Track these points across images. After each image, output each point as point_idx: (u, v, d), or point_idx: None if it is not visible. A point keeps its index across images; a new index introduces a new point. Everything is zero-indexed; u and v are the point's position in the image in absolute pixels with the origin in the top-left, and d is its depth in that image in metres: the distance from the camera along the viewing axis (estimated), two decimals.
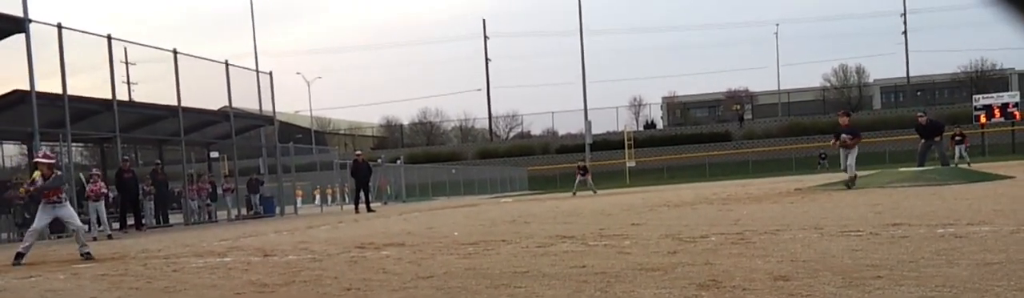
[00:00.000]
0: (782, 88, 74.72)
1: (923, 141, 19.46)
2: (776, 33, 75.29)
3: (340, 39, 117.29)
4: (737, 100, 73.56)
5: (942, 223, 7.86)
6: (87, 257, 9.98)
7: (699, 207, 13.97)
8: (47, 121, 17.41)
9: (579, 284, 5.18)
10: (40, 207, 10.39)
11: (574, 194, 29.94)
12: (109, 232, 16.50)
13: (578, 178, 30.34)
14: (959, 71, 70.12)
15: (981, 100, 45.21)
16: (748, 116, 71.31)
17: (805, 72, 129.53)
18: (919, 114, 20.42)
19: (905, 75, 71.85)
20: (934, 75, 71.24)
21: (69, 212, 10.45)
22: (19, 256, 9.85)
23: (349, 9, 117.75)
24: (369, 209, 23.39)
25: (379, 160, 40.47)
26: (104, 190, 17.19)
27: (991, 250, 5.61)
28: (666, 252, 6.72)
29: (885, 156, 47.69)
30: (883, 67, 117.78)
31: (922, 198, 12.43)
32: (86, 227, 16.64)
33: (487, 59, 76.53)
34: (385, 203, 35.37)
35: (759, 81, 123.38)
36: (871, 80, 75.08)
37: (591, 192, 30.05)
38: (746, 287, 4.65)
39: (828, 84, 74.71)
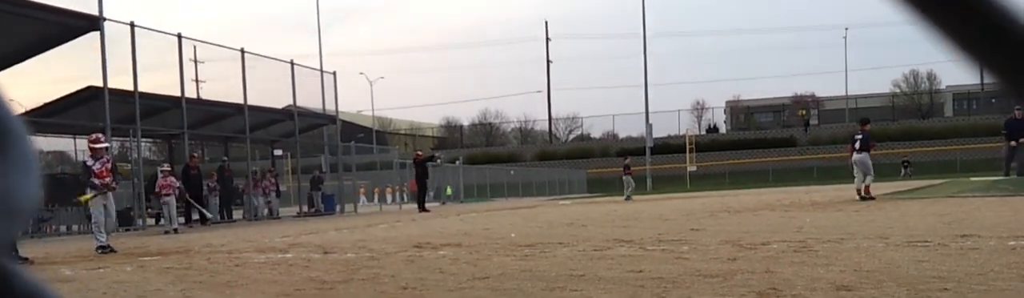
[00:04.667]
0: (850, 93, 73.31)
1: (1009, 145, 18.49)
2: (845, 37, 73.68)
3: (404, 40, 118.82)
4: (803, 105, 72.36)
5: (1014, 235, 7.60)
6: (104, 251, 10.26)
7: (761, 213, 13.76)
8: (118, 117, 17.91)
9: (635, 289, 5.13)
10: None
11: (628, 198, 27.74)
12: (175, 226, 16.88)
13: (624, 178, 27.97)
14: None
15: None
16: (814, 121, 70.05)
17: (874, 77, 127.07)
18: (1017, 107, 19.81)
19: (979, 82, 69.88)
20: None
21: (111, 202, 10.88)
22: (104, 248, 10.24)
23: (414, 11, 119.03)
24: (423, 208, 23.29)
25: (437, 159, 40.72)
26: (177, 184, 17.58)
27: None
28: (725, 258, 6.63)
29: (957, 165, 46.47)
30: (956, 73, 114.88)
31: (993, 209, 12.06)
32: (160, 221, 17.17)
33: (548, 61, 76.60)
34: (443, 203, 35.59)
35: (826, 86, 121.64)
36: (943, 86, 73.22)
37: (625, 198, 27.56)
38: (807, 296, 4.56)
39: (898, 90, 73.11)
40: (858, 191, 16.61)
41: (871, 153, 16.72)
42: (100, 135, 11.59)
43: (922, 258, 6.11)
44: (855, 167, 16.65)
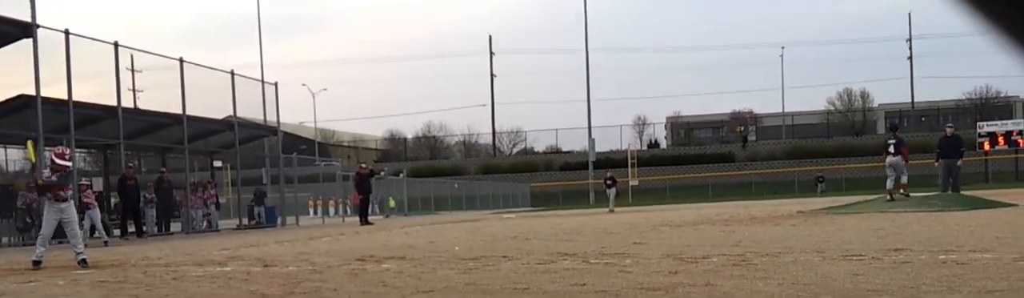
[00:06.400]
0: (787, 111, 74.80)
1: (942, 162, 19.39)
2: (782, 55, 75.28)
3: (347, 52, 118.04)
4: (741, 121, 73.64)
5: (944, 249, 7.84)
6: (83, 264, 9.89)
7: (701, 227, 13.94)
8: (52, 126, 17.45)
9: None
10: (46, 207, 10.26)
11: (611, 210, 27.75)
12: (106, 239, 16.45)
13: (608, 191, 28.36)
14: (964, 97, 70.22)
15: (985, 127, 45.15)
16: (752, 138, 71.28)
17: (810, 95, 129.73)
18: (948, 125, 20.73)
19: (910, 100, 71.94)
20: (939, 101, 71.29)
21: (73, 213, 10.29)
22: (36, 263, 9.84)
23: (358, 22, 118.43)
24: (366, 221, 23.09)
25: (382, 173, 40.46)
26: (93, 201, 17.22)
27: (993, 278, 5.59)
28: (667, 272, 6.71)
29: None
30: (888, 92, 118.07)
31: (925, 224, 12.40)
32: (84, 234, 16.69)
33: (492, 75, 76.76)
34: (387, 216, 35.31)
35: (764, 103, 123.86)
36: (875, 105, 75.09)
37: (608, 209, 28.06)
38: None
39: (832, 108, 74.78)
40: (888, 192, 17.76)
41: (907, 159, 17.73)
42: (67, 150, 10.71)
43: (857, 271, 6.26)
44: (889, 169, 17.72)
